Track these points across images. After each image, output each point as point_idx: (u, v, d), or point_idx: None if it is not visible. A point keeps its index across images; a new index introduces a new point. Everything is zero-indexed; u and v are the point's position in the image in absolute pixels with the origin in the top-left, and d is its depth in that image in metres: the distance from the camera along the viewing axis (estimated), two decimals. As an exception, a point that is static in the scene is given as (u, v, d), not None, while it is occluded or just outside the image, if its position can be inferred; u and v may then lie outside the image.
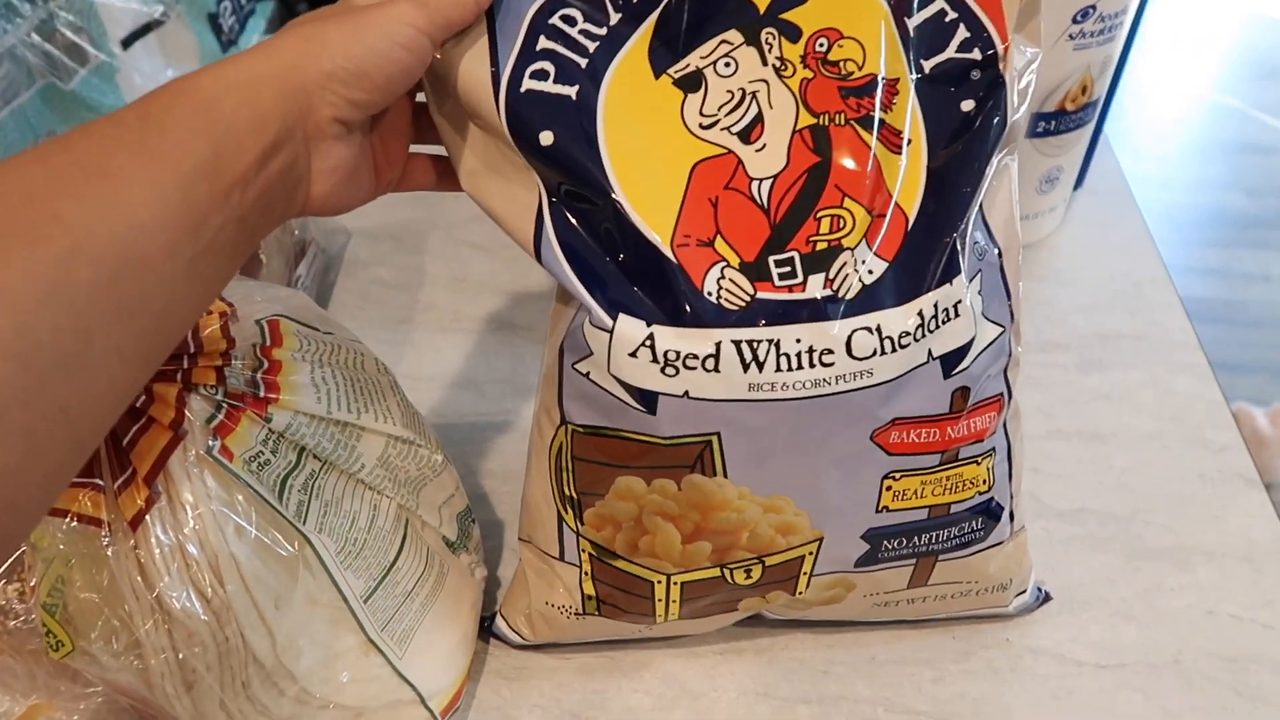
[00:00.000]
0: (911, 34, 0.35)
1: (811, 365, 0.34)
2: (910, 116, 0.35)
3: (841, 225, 0.34)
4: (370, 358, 0.43)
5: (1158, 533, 0.51)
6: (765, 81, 0.35)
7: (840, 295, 0.34)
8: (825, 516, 0.39)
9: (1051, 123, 0.62)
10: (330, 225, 0.70)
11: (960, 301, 0.35)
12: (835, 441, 0.36)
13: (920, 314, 0.34)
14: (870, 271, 0.34)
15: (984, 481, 0.40)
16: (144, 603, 0.34)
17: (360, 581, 0.39)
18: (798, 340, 0.34)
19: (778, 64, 0.35)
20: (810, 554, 0.40)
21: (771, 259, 0.34)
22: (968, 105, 0.35)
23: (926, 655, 0.46)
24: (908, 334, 0.34)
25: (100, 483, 0.34)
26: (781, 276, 0.34)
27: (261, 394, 0.37)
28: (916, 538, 0.40)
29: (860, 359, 0.34)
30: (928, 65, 0.35)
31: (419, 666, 0.42)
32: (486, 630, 0.47)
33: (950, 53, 0.35)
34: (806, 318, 0.34)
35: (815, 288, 0.34)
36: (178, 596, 0.34)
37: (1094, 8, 0.56)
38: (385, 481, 0.41)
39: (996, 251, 0.38)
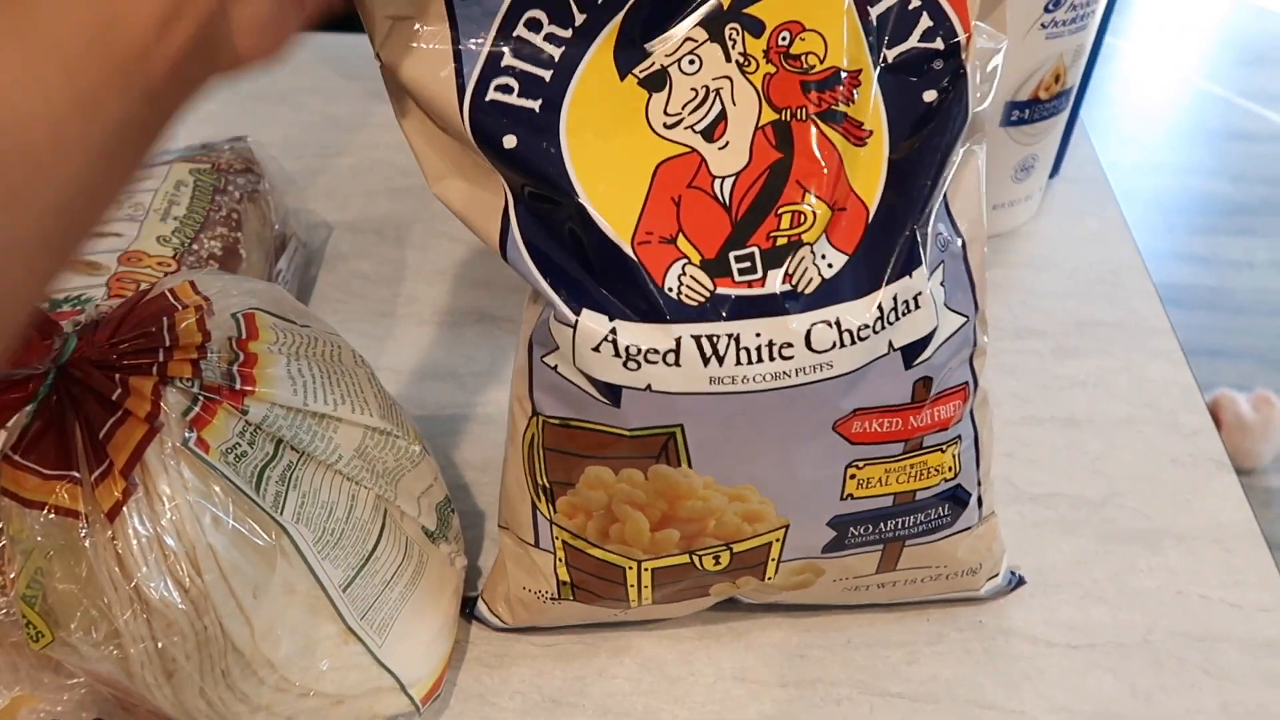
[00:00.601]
0: (874, 23, 0.36)
1: (771, 358, 0.34)
2: (872, 108, 0.35)
3: (802, 221, 0.35)
4: (347, 350, 0.44)
5: (1130, 516, 0.52)
6: (729, 78, 0.35)
7: (799, 290, 0.34)
8: (790, 504, 0.39)
9: (1025, 111, 0.62)
10: (311, 219, 0.70)
11: (920, 293, 0.36)
12: (797, 432, 0.37)
13: (879, 307, 0.35)
14: (830, 265, 0.35)
15: (949, 469, 0.40)
16: (122, 593, 0.35)
17: (338, 571, 0.39)
18: (757, 334, 0.34)
19: (741, 60, 0.35)
20: (777, 540, 0.40)
21: (732, 255, 0.35)
22: (930, 96, 0.35)
23: (901, 638, 0.47)
24: (867, 326, 0.35)
25: (77, 475, 0.35)
26: (741, 272, 0.34)
27: (237, 386, 0.37)
28: (882, 524, 0.41)
29: (819, 352, 0.34)
30: (890, 55, 0.36)
31: (399, 654, 0.42)
32: (468, 613, 0.47)
33: (913, 42, 0.35)
34: (766, 312, 0.34)
35: (774, 282, 0.34)
36: (156, 587, 0.35)
37: (1065, -3, 0.57)
38: (363, 472, 0.41)
39: (960, 242, 0.38)
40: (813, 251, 0.34)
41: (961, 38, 0.35)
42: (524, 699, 0.45)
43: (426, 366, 0.62)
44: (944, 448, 0.40)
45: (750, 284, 0.34)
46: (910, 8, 0.35)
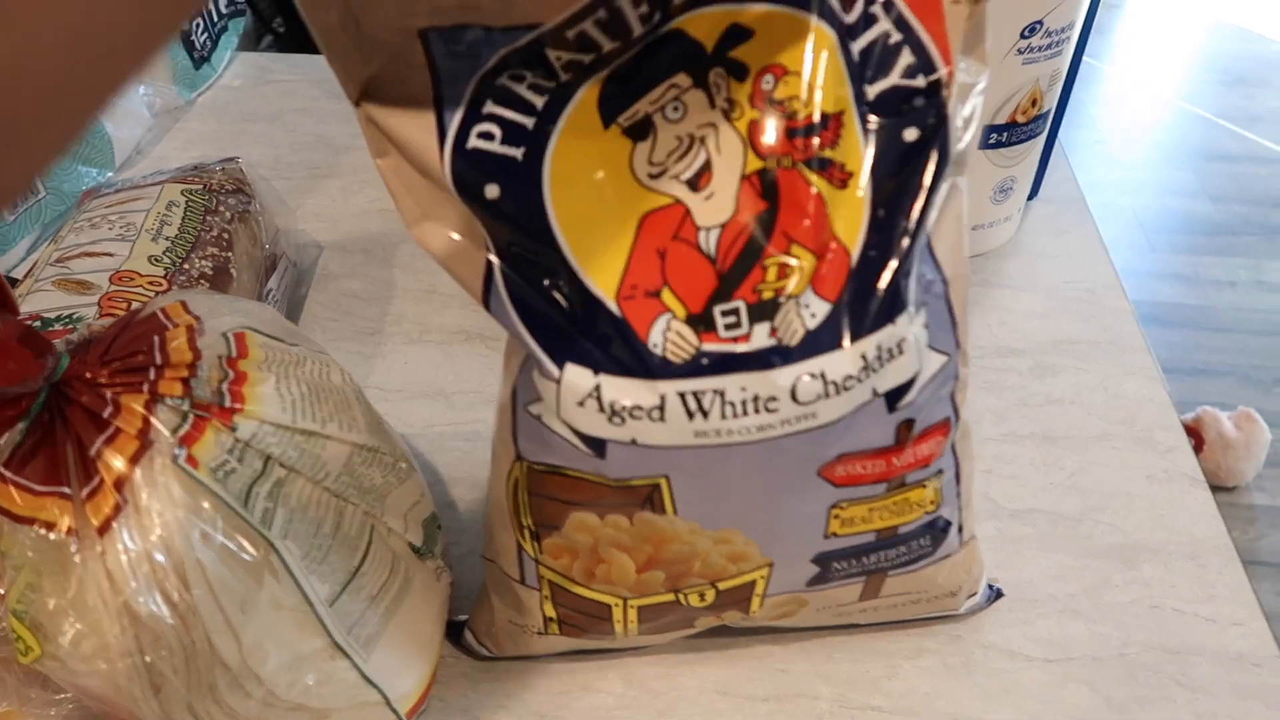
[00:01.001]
0: (856, 59, 0.34)
1: (756, 412, 0.34)
2: (854, 149, 0.34)
3: (788, 273, 0.34)
4: (336, 368, 0.44)
5: (1106, 531, 0.53)
6: (713, 125, 0.34)
7: (784, 343, 0.34)
8: (774, 545, 0.39)
9: (1003, 134, 0.64)
10: (301, 239, 0.71)
11: (904, 339, 0.35)
12: (782, 480, 0.36)
13: (864, 356, 0.34)
14: (813, 315, 0.34)
15: (931, 502, 0.40)
16: (111, 608, 0.35)
17: (325, 586, 0.40)
18: (742, 389, 0.34)
19: (726, 106, 0.34)
20: (762, 578, 0.41)
21: (717, 309, 0.34)
22: (911, 135, 0.34)
23: (880, 652, 0.48)
24: (851, 377, 0.34)
25: (68, 491, 0.35)
26: (727, 327, 0.34)
27: (227, 404, 0.38)
28: (865, 557, 0.41)
29: (804, 403, 0.34)
30: (871, 92, 0.34)
31: (385, 669, 0.43)
32: (455, 634, 0.48)
33: (894, 79, 0.34)
34: (751, 367, 0.34)
35: (760, 337, 0.34)
36: (145, 602, 0.35)
37: (1040, 23, 0.58)
38: (350, 489, 0.42)
39: (943, 282, 0.37)
40: (798, 303, 0.34)
41: (943, 73, 0.34)
42: (508, 713, 0.46)
43: (414, 384, 0.62)
44: (926, 483, 0.40)
45: (736, 339, 0.34)
46: (891, 42, 0.34)
